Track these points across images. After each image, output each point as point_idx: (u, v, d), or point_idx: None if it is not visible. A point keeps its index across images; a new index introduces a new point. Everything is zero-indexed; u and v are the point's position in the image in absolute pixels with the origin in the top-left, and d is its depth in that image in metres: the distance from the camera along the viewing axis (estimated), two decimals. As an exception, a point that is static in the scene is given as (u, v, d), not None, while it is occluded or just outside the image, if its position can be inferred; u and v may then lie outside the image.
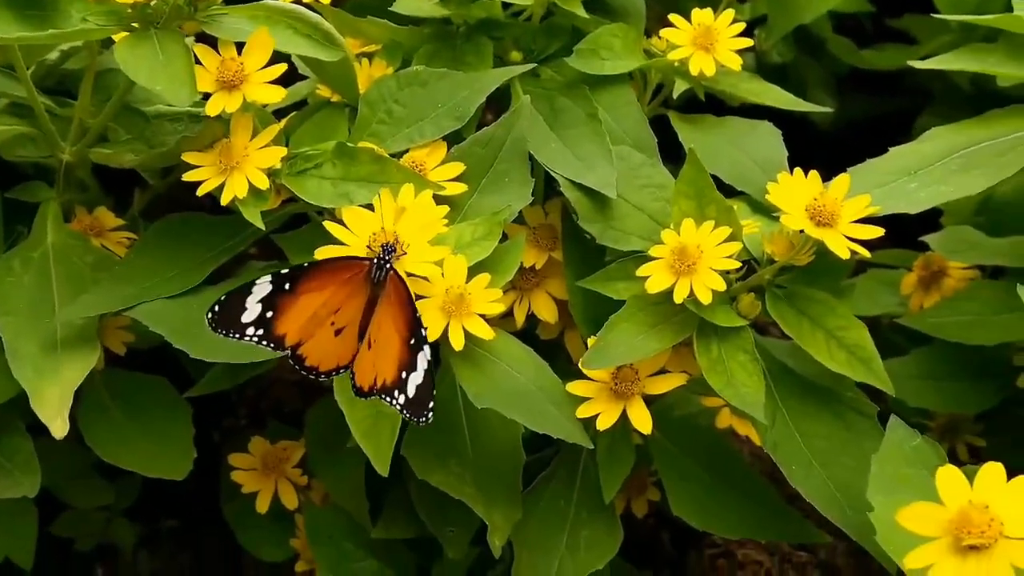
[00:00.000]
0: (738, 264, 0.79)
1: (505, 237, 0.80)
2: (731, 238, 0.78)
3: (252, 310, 0.75)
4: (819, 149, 0.97)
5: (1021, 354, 0.96)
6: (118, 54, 0.77)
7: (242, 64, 0.80)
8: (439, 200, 0.79)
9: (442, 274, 0.76)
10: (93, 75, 0.88)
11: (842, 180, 0.79)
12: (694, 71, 0.88)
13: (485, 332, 0.76)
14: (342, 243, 0.76)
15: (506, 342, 0.79)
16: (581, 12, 0.88)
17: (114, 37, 0.80)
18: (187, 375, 0.94)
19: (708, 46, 0.88)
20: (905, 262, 1.03)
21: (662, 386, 0.80)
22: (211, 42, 0.81)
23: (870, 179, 0.83)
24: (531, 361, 0.79)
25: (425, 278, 0.76)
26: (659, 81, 0.93)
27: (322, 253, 0.76)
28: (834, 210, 0.77)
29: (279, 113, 0.87)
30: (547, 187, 0.89)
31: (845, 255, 0.76)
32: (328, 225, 0.77)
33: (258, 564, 1.03)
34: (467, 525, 0.86)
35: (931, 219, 1.05)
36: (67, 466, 0.99)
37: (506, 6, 0.90)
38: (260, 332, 0.75)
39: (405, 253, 0.75)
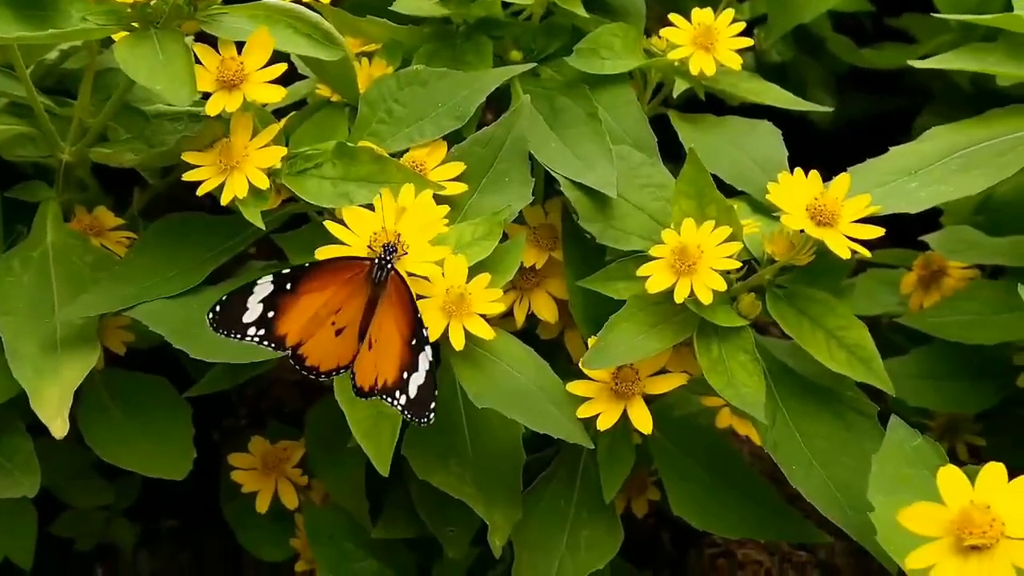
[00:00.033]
0: (738, 264, 0.79)
1: (505, 237, 0.80)
2: (731, 238, 0.78)
3: (253, 310, 0.75)
4: (819, 148, 0.97)
5: (1021, 354, 0.96)
6: (118, 54, 0.77)
7: (242, 64, 0.79)
8: (439, 200, 0.79)
9: (442, 274, 0.76)
10: (93, 75, 0.87)
11: (842, 180, 0.79)
12: (694, 70, 0.88)
13: (485, 332, 0.76)
14: (343, 243, 0.76)
15: (506, 342, 0.79)
16: (581, 11, 0.88)
17: (114, 37, 0.80)
18: (187, 375, 0.94)
19: (708, 45, 0.88)
20: (905, 262, 1.03)
21: (662, 386, 0.80)
22: (211, 42, 0.81)
23: (870, 179, 0.83)
24: (531, 361, 0.79)
25: (426, 278, 0.76)
26: (659, 80, 0.93)
27: (323, 253, 0.76)
28: (834, 210, 0.77)
29: (279, 113, 0.87)
30: (547, 187, 0.89)
31: (845, 255, 0.76)
32: (329, 225, 0.77)
33: (258, 564, 1.03)
34: (467, 525, 0.86)
35: (931, 219, 1.05)
36: (67, 466, 0.99)
37: (506, 5, 0.90)
38: (261, 332, 0.75)
39: (406, 253, 0.75)
